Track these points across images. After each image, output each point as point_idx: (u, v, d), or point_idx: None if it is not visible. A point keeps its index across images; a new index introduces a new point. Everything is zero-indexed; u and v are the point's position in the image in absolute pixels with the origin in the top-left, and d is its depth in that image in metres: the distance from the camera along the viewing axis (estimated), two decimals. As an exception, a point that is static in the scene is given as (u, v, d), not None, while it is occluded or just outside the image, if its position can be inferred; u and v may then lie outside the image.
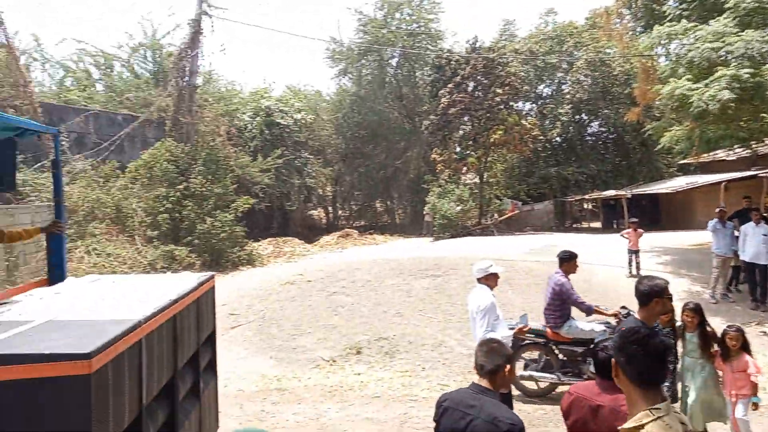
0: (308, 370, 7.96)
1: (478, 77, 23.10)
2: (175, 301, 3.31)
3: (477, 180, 24.24)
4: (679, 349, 5.12)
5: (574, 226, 29.02)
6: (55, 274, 4.80)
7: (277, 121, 23.69)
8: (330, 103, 30.88)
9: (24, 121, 4.89)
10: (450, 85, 23.21)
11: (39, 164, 15.41)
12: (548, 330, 6.50)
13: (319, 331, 9.37)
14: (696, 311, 4.96)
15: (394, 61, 29.73)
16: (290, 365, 8.14)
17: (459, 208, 21.65)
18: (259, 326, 9.70)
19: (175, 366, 3.34)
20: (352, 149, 28.70)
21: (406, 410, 6.43)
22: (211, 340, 4.63)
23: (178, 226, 15.31)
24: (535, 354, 6.86)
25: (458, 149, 25.16)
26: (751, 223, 9.39)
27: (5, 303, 3.35)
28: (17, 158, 5.29)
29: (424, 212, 24.71)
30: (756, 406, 4.73)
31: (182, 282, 4.02)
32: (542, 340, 6.57)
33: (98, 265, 12.33)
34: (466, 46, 25.05)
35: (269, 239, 20.30)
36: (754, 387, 4.66)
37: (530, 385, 6.62)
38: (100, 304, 3.22)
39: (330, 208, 31.21)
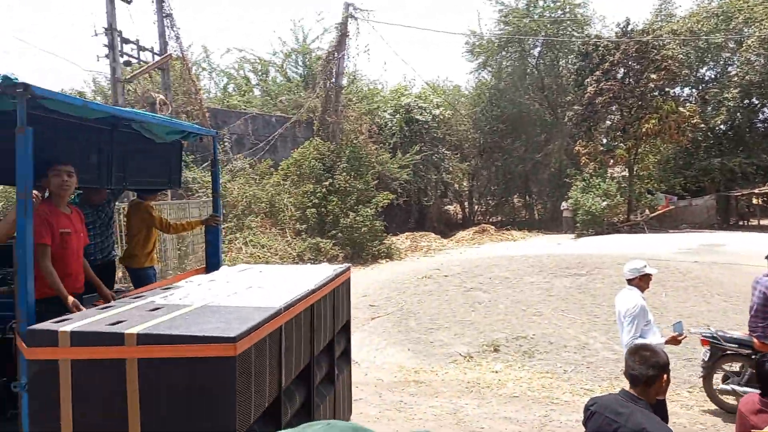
0: (445, 364, 8.04)
1: (629, 63, 21.51)
2: (313, 291, 3.42)
3: (626, 173, 22.60)
4: None
5: (741, 223, 25.80)
6: (212, 262, 5.25)
7: (416, 117, 24.06)
8: (468, 98, 30.66)
9: (189, 126, 5.36)
10: (597, 73, 21.89)
11: (206, 163, 17.24)
12: (755, 340, 5.71)
13: (456, 326, 9.40)
14: None
15: (536, 51, 28.69)
16: (427, 358, 8.27)
17: (605, 203, 20.37)
18: (397, 318, 9.97)
19: (312, 352, 3.45)
20: (489, 143, 28.26)
21: (547, 413, 6.24)
22: (346, 329, 4.73)
23: (324, 220, 16.26)
24: (736, 366, 6.19)
25: (605, 141, 23.67)
26: None
27: (170, 288, 3.71)
28: (183, 158, 5.91)
29: (562, 208, 23.64)
30: None
31: (320, 273, 4.14)
32: (747, 351, 5.81)
33: (254, 255, 13.50)
34: (616, 30, 23.39)
35: (407, 233, 20.74)
36: None
37: (730, 400, 5.92)
38: (247, 292, 3.40)
39: (466, 203, 31.04)
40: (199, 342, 2.22)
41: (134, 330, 2.29)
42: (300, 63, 26.52)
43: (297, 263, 14.09)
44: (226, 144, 18.27)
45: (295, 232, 15.53)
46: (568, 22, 27.46)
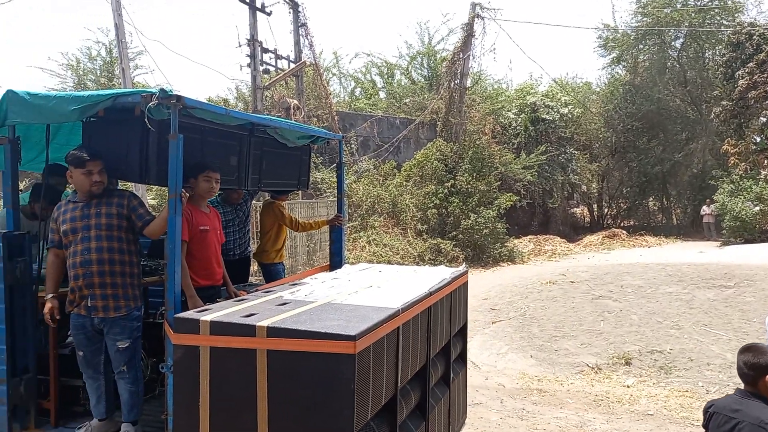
0: (571, 374, 7.71)
1: (792, 52, 19.15)
2: (431, 293, 3.46)
3: (784, 175, 20.12)
4: None
5: None
6: (335, 261, 5.45)
7: (543, 116, 23.27)
8: (600, 95, 29.06)
9: (318, 131, 5.61)
10: (750, 64, 19.74)
11: (333, 165, 18.05)
12: None
13: (582, 335, 8.98)
14: None
15: (677, 43, 26.44)
16: (551, 367, 7.99)
17: (757, 208, 18.28)
18: (519, 323, 9.74)
19: (428, 354, 3.47)
20: (623, 143, 26.52)
21: (685, 435, 5.77)
22: (462, 332, 4.69)
23: (445, 221, 16.29)
24: None
25: (758, 139, 21.24)
26: None
27: (297, 284, 3.87)
28: (311, 161, 6.21)
29: (702, 212, 21.61)
30: None
31: (438, 275, 4.14)
32: None
33: (376, 254, 13.88)
34: (775, 16, 20.95)
35: (530, 236, 20.16)
36: None
37: None
38: (367, 291, 3.48)
39: (595, 206, 29.43)
40: (323, 338, 2.37)
41: (264, 323, 2.49)
42: (425, 65, 26.82)
43: (417, 263, 14.26)
44: (352, 146, 18.97)
45: (416, 232, 15.73)
46: (717, 10, 24.98)
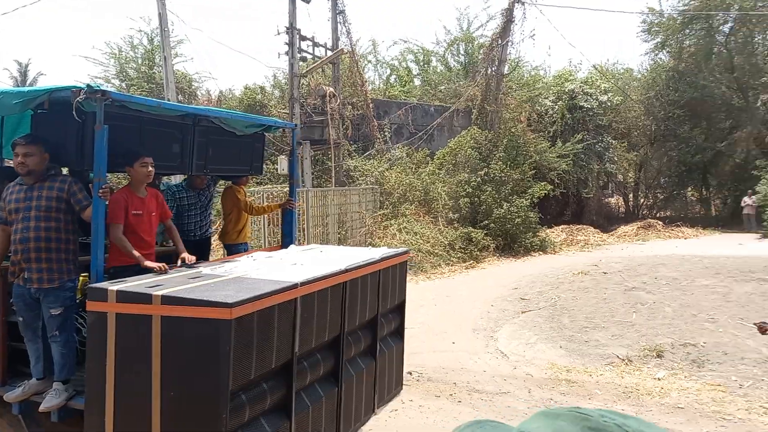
0: (600, 366, 7.70)
1: None
2: (346, 271, 3.80)
3: (833, 166, 19.34)
4: None
5: None
6: (286, 241, 5.81)
7: (580, 104, 22.82)
8: (641, 82, 28.28)
9: (266, 119, 6.08)
10: (801, 50, 18.91)
11: (367, 153, 18.15)
12: None
13: (614, 326, 8.92)
14: None
15: (726, 28, 25.43)
16: (581, 358, 7.99)
17: (803, 199, 17.67)
18: (549, 314, 9.72)
19: (342, 326, 3.81)
20: (663, 131, 25.81)
21: (716, 429, 5.73)
22: (400, 309, 5.06)
23: (477, 209, 16.23)
24: None
25: (808, 128, 20.45)
26: None
27: (230, 261, 4.28)
28: (265, 149, 6.49)
29: (743, 203, 20.97)
30: None
31: (368, 255, 4.51)
32: None
33: (407, 242, 13.97)
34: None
35: (562, 226, 19.93)
36: None
37: None
38: (287, 268, 3.86)
39: (630, 196, 28.81)
40: (205, 305, 2.74)
41: (160, 293, 2.88)
42: (462, 51, 26.56)
43: (448, 252, 14.30)
44: (386, 134, 19.02)
45: (447, 221, 15.73)
46: (770, -7, 23.95)
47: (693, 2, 24.50)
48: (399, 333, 5.16)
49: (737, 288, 10.07)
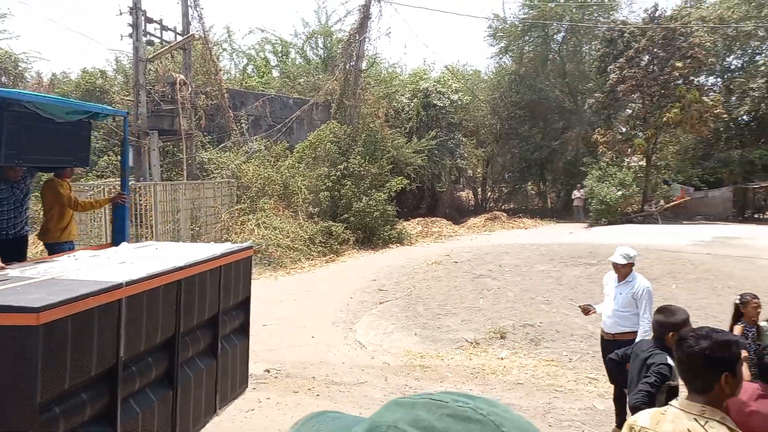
0: (451, 350, 8.13)
1: (655, 50, 21.04)
2: (180, 268, 3.60)
3: (643, 163, 22.33)
4: None
5: (757, 216, 25.47)
6: (117, 239, 5.45)
7: (434, 102, 23.91)
8: (487, 83, 30.38)
9: (93, 106, 5.54)
10: (621, 60, 21.46)
11: (222, 145, 17.39)
12: None
13: (463, 312, 9.48)
14: None
15: (559, 36, 28.21)
16: (434, 344, 8.37)
17: (620, 193, 20.18)
18: (405, 303, 10.07)
19: (177, 326, 3.63)
20: (506, 130, 28.00)
21: (550, 400, 6.31)
22: (244, 306, 4.89)
23: (337, 203, 16.32)
24: None
25: (624, 129, 23.37)
26: None
27: (43, 262, 3.93)
28: (92, 138, 6.05)
29: (573, 196, 23.51)
30: None
31: (207, 251, 4.32)
32: None
33: (265, 237, 13.65)
34: (644, 16, 22.92)
35: (418, 219, 20.77)
36: None
37: None
38: (113, 267, 3.62)
39: (479, 190, 30.94)
40: (7, 311, 2.46)
41: None
42: (321, 45, 26.45)
43: (308, 246, 14.22)
44: (243, 125, 18.37)
45: (307, 215, 15.63)
46: (595, 7, 26.95)
47: (532, 11, 26.80)
48: (243, 330, 4.97)
49: (567, 272, 11.22)
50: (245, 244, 4.83)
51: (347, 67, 19.72)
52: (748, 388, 2.81)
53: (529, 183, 30.25)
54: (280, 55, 27.06)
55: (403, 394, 6.57)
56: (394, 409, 0.69)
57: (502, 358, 7.73)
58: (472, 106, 27.27)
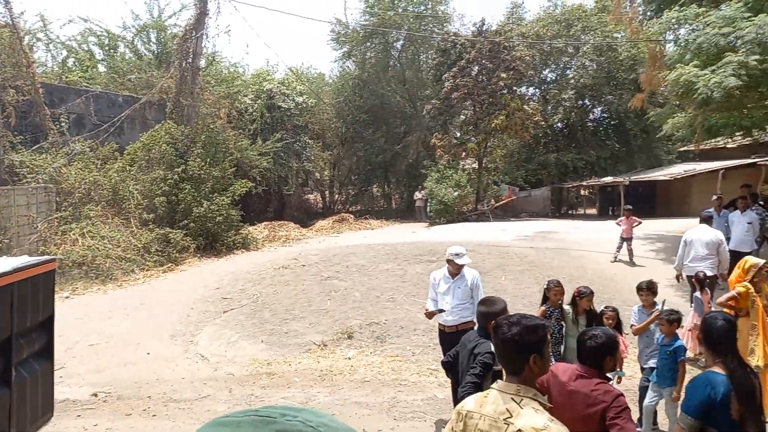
0: (299, 354, 8.01)
1: (483, 61, 22.88)
2: None
3: (475, 165, 24.16)
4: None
5: (570, 212, 29.15)
6: None
7: (279, 104, 23.53)
8: (332, 87, 30.67)
9: None
10: (454, 69, 23.01)
11: (37, 146, 15.40)
12: None
13: (311, 315, 9.40)
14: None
15: (399, 44, 29.40)
16: (281, 349, 8.19)
17: (456, 193, 21.61)
18: (251, 310, 9.73)
19: None
20: (351, 133, 28.56)
21: (395, 394, 6.48)
22: (47, 326, 4.49)
23: (175, 209, 15.27)
24: None
25: (458, 134, 25.06)
26: (737, 212, 9.38)
27: None
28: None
29: (415, 197, 24.73)
30: (620, 379, 5.36)
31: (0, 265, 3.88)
32: None
33: (92, 247, 12.36)
34: (473, 30, 24.78)
35: (265, 223, 20.29)
36: (621, 361, 5.05)
37: None
38: None
39: (327, 193, 31.17)
40: None
41: None
42: (153, 40, 24.58)
43: (143, 256, 13.16)
44: (62, 124, 16.45)
45: (141, 222, 14.42)
46: (430, 18, 28.52)
47: (373, 18, 27.64)
48: (47, 353, 4.50)
49: (410, 269, 11.67)
50: (45, 258, 4.35)
51: (183, 65, 18.59)
52: (567, 369, 3.06)
53: (375, 185, 31.18)
54: (106, 48, 24.62)
55: (248, 404, 6.33)
56: (217, 430, 0.63)
57: (349, 358, 7.79)
58: (318, 108, 27.38)
